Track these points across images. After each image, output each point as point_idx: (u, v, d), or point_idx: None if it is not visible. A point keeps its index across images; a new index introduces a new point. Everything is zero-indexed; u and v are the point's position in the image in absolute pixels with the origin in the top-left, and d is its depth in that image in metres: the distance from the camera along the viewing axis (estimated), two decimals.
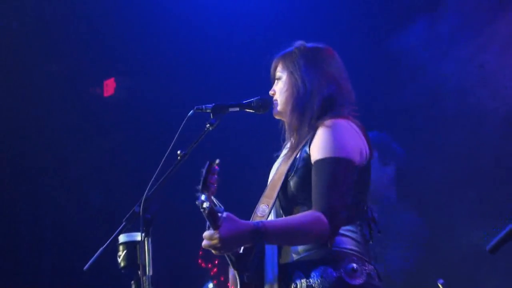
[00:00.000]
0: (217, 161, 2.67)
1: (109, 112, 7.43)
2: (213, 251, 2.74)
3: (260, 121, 3.37)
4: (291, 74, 3.12)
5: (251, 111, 3.26)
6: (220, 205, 2.67)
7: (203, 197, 2.60)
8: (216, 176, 2.65)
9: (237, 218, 2.72)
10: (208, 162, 2.66)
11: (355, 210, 2.96)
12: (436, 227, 5.96)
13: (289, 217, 2.89)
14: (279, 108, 3.16)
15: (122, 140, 7.34)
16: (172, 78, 7.09)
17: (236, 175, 6.39)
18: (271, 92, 3.21)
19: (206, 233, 2.71)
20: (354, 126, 3.00)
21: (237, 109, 3.26)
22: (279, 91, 3.17)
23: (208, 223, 2.67)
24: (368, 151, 3.00)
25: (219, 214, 2.66)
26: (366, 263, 2.93)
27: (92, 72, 7.36)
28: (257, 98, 3.24)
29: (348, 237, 2.93)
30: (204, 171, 2.65)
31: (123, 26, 7.10)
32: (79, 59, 7.28)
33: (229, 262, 2.89)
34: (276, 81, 3.21)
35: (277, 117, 3.21)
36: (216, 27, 6.91)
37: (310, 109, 3.03)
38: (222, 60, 6.89)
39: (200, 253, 7.43)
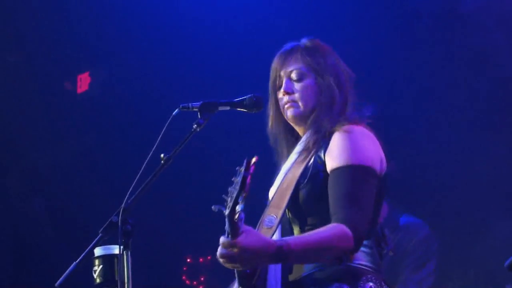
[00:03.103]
0: (254, 159, 2.63)
1: (83, 111, 7.41)
2: (226, 264, 2.71)
3: (255, 121, 3.37)
4: (321, 78, 3.12)
5: (244, 110, 3.27)
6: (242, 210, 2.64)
7: (239, 199, 2.58)
8: (250, 176, 2.61)
9: (258, 232, 2.72)
10: (245, 160, 2.62)
11: (371, 224, 2.96)
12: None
13: (312, 233, 2.84)
14: (302, 111, 3.14)
15: (98, 143, 7.31)
16: (155, 72, 7.07)
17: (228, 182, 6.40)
18: (285, 92, 3.16)
19: (224, 240, 2.67)
20: (371, 134, 3.03)
21: (228, 107, 3.28)
22: (303, 93, 3.14)
23: (227, 228, 2.64)
24: (385, 161, 3.03)
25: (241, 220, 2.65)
26: (383, 283, 2.95)
27: (64, 64, 7.33)
28: (250, 95, 3.26)
29: (363, 252, 2.95)
30: (243, 169, 2.60)
31: (100, 13, 7.08)
32: (48, 48, 7.21)
33: (237, 277, 2.88)
34: (293, 80, 3.17)
35: (292, 121, 3.19)
36: (203, 16, 6.91)
37: (341, 113, 3.08)
38: (211, 53, 6.88)
39: (185, 268, 7.44)
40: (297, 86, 3.17)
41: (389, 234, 3.12)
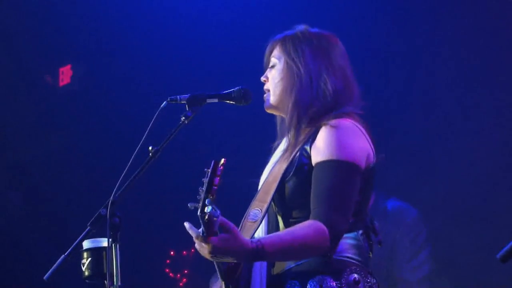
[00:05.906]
0: (223, 161, 2.68)
1: (66, 104, 7.36)
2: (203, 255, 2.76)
3: (246, 114, 3.38)
4: (292, 61, 3.09)
5: (232, 102, 3.27)
6: (216, 208, 2.66)
7: (207, 201, 2.61)
8: (219, 178, 2.65)
9: (236, 230, 2.71)
10: (213, 162, 2.67)
11: (357, 217, 2.97)
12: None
13: (288, 232, 2.86)
14: (272, 100, 3.15)
15: (85, 136, 7.26)
16: (142, 64, 7.04)
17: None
18: (262, 79, 3.20)
19: (199, 237, 2.70)
20: (360, 127, 3.01)
21: (216, 100, 3.28)
22: (273, 79, 3.15)
23: (202, 227, 2.68)
24: (374, 154, 3.02)
25: (215, 219, 2.66)
26: (368, 275, 2.95)
27: (45, 57, 7.29)
28: (237, 88, 3.26)
29: (349, 244, 2.95)
30: (209, 171, 2.65)
31: (82, 2, 7.04)
32: (28, 41, 7.16)
33: (218, 271, 2.90)
34: (270, 67, 3.18)
35: (269, 111, 3.20)
36: (189, 8, 6.89)
37: (316, 105, 3.03)
38: (199, 44, 6.86)
39: (168, 261, 7.44)
40: (270, 73, 3.18)
41: (378, 223, 3.10)
